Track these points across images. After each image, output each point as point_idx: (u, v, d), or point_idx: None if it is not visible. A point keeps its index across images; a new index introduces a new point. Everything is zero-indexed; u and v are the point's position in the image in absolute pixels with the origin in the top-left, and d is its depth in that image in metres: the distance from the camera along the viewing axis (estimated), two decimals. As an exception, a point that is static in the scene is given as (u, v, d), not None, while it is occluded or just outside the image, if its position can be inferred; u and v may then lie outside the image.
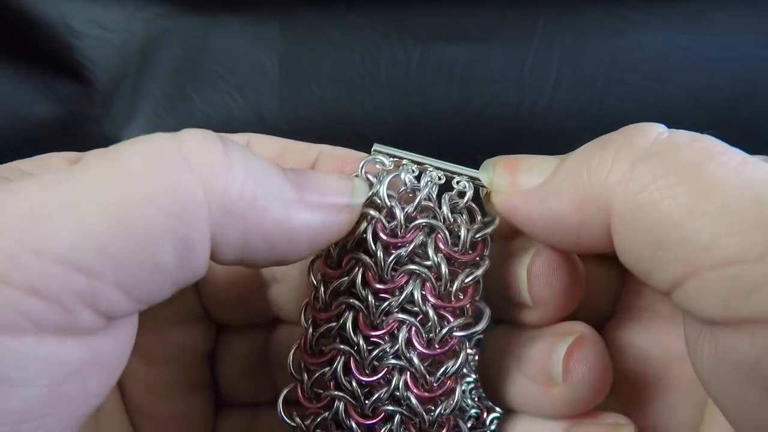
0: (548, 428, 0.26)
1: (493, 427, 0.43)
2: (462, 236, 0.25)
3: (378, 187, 0.25)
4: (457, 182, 0.27)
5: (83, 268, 0.18)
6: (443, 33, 0.60)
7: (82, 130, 0.60)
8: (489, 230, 0.26)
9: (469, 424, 0.43)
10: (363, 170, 0.26)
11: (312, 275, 0.26)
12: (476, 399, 0.44)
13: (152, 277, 0.20)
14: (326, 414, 0.26)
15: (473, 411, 0.43)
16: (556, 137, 0.58)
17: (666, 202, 0.21)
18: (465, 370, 0.27)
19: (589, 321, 0.27)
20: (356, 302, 0.25)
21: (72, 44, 0.60)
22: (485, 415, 0.43)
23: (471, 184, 0.26)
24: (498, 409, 0.43)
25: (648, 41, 0.59)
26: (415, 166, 0.26)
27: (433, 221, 0.25)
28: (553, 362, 0.25)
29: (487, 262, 0.26)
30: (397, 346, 0.25)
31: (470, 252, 0.25)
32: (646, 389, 0.28)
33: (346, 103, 0.60)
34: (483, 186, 0.27)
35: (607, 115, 0.58)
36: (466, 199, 0.26)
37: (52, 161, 0.26)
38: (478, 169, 0.27)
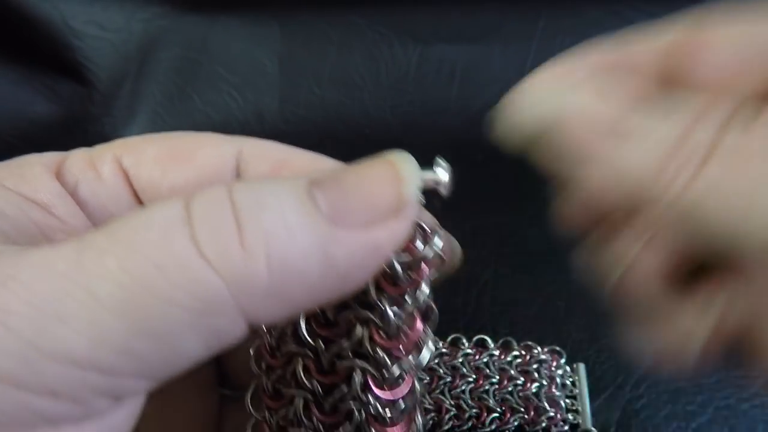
0: None
1: (493, 427, 0.43)
2: (395, 265, 0.23)
3: None
4: None
5: (101, 368, 0.18)
6: (443, 33, 0.61)
7: (82, 130, 0.60)
8: (427, 253, 0.23)
9: (469, 424, 0.43)
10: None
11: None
12: (476, 399, 0.44)
13: (175, 364, 0.19)
14: None
15: (473, 411, 0.43)
16: (556, 137, 0.58)
17: None
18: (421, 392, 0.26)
19: None
20: (303, 349, 0.24)
21: (72, 44, 0.60)
22: (485, 415, 0.43)
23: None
24: (498, 409, 0.43)
25: (648, 41, 0.60)
26: None
27: None
28: None
29: (424, 285, 0.23)
30: (353, 390, 0.24)
31: (411, 279, 0.23)
32: None
33: (346, 103, 0.60)
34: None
35: (607, 115, 0.58)
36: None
37: (32, 170, 0.24)
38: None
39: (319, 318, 0.24)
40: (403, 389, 0.24)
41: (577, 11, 0.60)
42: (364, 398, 0.24)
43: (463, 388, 0.45)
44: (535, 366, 0.45)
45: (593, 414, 0.42)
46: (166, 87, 0.62)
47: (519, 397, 0.44)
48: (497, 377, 0.45)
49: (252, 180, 0.20)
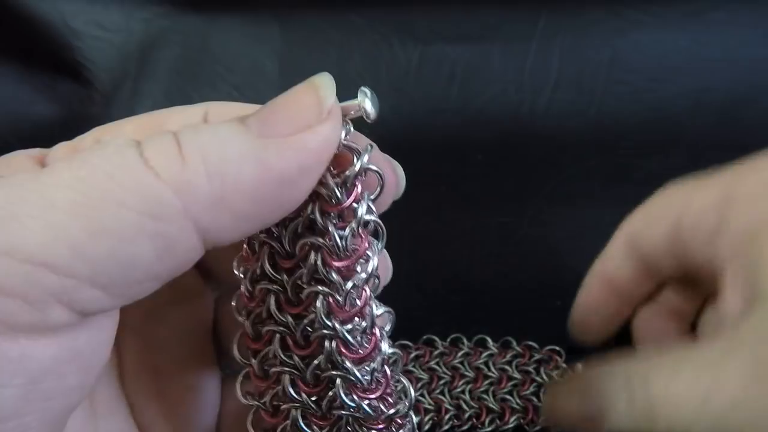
0: None
1: (492, 427, 0.43)
2: (330, 183, 0.24)
3: None
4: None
5: (54, 267, 0.18)
6: (443, 33, 0.61)
7: (82, 130, 0.60)
8: (357, 167, 0.24)
9: (468, 424, 0.43)
10: None
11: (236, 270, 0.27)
12: (476, 399, 0.44)
13: (130, 273, 0.20)
14: (277, 388, 0.27)
15: (472, 411, 0.43)
16: (556, 137, 0.58)
17: None
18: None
19: None
20: (273, 285, 0.26)
21: (72, 44, 0.60)
22: (485, 415, 0.43)
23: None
24: (496, 408, 0.43)
25: (648, 41, 0.59)
26: None
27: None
28: None
29: (364, 202, 0.25)
30: (317, 316, 0.25)
31: (349, 196, 0.24)
32: None
33: (346, 103, 0.60)
34: None
35: (607, 116, 0.58)
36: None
37: (17, 160, 0.25)
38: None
39: (280, 252, 0.25)
40: (359, 308, 0.25)
41: (577, 11, 0.60)
42: (329, 323, 0.25)
43: (463, 388, 0.45)
44: (534, 366, 0.45)
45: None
46: (166, 87, 0.62)
47: (519, 397, 0.44)
48: (497, 377, 0.45)
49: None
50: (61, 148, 0.27)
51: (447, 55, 0.60)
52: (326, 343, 0.25)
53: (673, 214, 0.36)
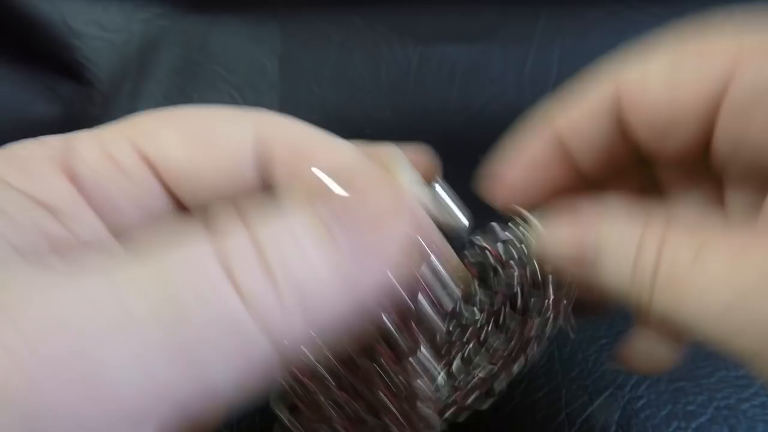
0: None
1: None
2: (390, 328, 0.24)
3: None
4: None
5: (147, 421, 0.17)
6: (443, 33, 0.61)
7: (82, 130, 0.60)
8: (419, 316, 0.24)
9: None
10: None
11: None
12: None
13: (207, 406, 0.18)
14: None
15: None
16: (556, 137, 0.58)
17: None
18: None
19: None
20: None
21: (72, 44, 0.60)
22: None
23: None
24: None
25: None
26: None
27: None
28: None
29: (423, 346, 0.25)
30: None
31: (407, 343, 0.25)
32: None
33: (346, 103, 0.60)
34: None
35: (607, 116, 0.58)
36: None
37: (39, 168, 0.23)
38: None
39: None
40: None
41: (576, 11, 0.60)
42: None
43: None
44: None
45: (593, 414, 0.42)
46: (166, 87, 0.62)
47: None
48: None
49: (269, 218, 0.19)
50: (89, 149, 0.24)
51: (447, 55, 0.60)
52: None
53: (719, 72, 0.25)
